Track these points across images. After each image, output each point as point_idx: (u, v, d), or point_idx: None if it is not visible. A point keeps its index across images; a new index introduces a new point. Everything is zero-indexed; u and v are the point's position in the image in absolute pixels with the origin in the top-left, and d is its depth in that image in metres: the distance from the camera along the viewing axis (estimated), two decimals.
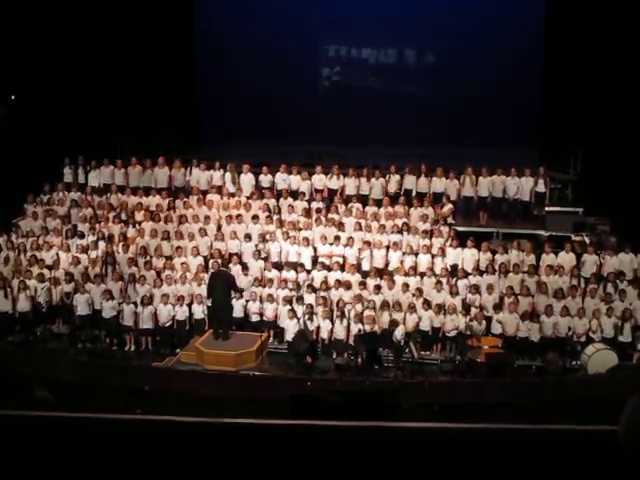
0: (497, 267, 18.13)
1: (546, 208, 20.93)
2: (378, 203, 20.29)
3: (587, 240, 19.79)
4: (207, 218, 19.92)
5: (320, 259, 18.81)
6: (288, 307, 17.35)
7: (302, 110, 24.43)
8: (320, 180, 21.11)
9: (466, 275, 17.97)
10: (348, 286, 17.68)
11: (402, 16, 23.83)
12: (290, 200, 20.49)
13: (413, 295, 17.48)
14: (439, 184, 20.67)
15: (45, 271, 18.27)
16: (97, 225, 19.86)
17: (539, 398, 14.28)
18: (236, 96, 24.59)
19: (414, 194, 20.68)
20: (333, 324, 17.04)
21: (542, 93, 23.02)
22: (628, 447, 2.88)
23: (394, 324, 16.68)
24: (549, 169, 21.22)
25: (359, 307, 17.12)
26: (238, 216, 19.88)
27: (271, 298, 17.74)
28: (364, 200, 20.47)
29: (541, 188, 20.57)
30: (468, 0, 23.96)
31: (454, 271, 18.25)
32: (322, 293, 17.60)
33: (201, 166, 21.44)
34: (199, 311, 17.73)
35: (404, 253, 18.72)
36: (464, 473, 3.71)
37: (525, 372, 16.83)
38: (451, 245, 18.83)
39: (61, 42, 22.53)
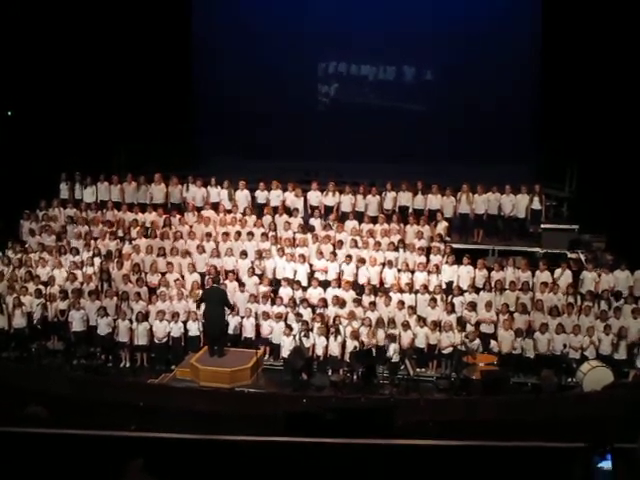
0: (493, 284, 18.15)
1: (542, 225, 20.92)
2: (374, 220, 20.32)
3: (583, 257, 19.82)
4: (205, 235, 19.94)
5: (315, 274, 18.82)
6: (283, 324, 17.38)
7: (299, 127, 24.48)
8: (316, 197, 21.12)
9: (462, 292, 17.98)
10: (343, 303, 17.69)
11: (400, 33, 23.80)
12: (286, 217, 20.49)
13: (409, 312, 17.49)
14: (435, 201, 20.70)
15: (41, 287, 18.26)
16: (92, 241, 19.85)
17: (534, 415, 14.26)
18: (233, 112, 24.64)
19: (410, 211, 20.69)
20: (328, 341, 17.04)
21: (538, 111, 23.08)
22: None
23: (391, 339, 16.67)
24: (545, 186, 21.24)
25: (355, 324, 17.13)
26: (234, 233, 19.87)
27: (266, 315, 17.74)
28: (360, 217, 20.49)
29: (537, 205, 20.58)
30: (466, 19, 23.95)
31: (450, 288, 18.27)
32: (318, 310, 17.60)
33: (197, 182, 21.44)
34: (194, 328, 17.70)
35: (400, 270, 18.73)
36: None
37: (520, 389, 16.81)
38: (447, 262, 18.85)
39: (58, 58, 22.57)
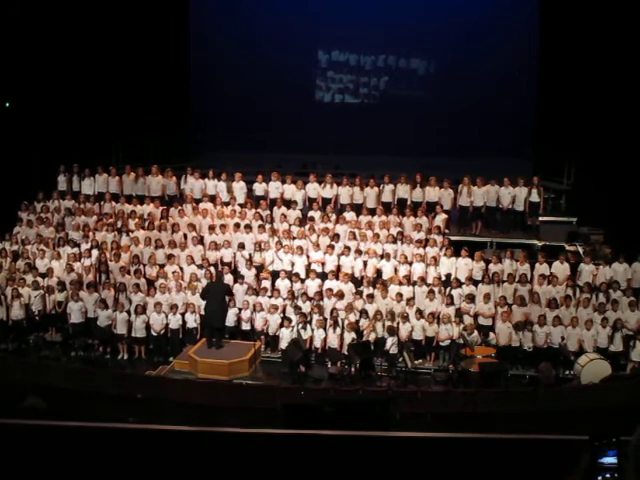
0: (491, 276, 18.15)
1: (540, 218, 20.93)
2: (372, 212, 20.30)
3: (581, 250, 19.82)
4: (202, 227, 19.92)
5: (312, 266, 18.81)
6: (281, 316, 17.38)
7: (297, 119, 24.46)
8: (314, 189, 21.10)
9: (460, 284, 17.98)
10: (341, 295, 17.68)
11: (399, 25, 23.84)
12: (284, 209, 20.47)
13: (407, 304, 17.49)
14: (433, 194, 20.68)
15: (39, 279, 18.25)
16: (91, 233, 19.82)
17: (532, 408, 14.28)
18: (231, 105, 24.59)
19: (409, 203, 20.67)
20: (326, 333, 17.03)
21: (536, 104, 23.09)
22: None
23: (389, 331, 16.67)
24: (543, 179, 21.24)
25: (352, 316, 17.12)
26: (233, 225, 19.85)
27: (260, 307, 17.73)
28: (358, 209, 20.48)
29: (535, 198, 20.57)
30: (466, 15, 23.93)
31: (448, 280, 18.26)
32: (316, 302, 17.59)
33: (195, 174, 21.43)
34: (192, 320, 17.70)
35: (398, 262, 18.72)
36: None
37: (518, 382, 16.82)
38: (445, 254, 18.84)
39: (56, 50, 22.51)
